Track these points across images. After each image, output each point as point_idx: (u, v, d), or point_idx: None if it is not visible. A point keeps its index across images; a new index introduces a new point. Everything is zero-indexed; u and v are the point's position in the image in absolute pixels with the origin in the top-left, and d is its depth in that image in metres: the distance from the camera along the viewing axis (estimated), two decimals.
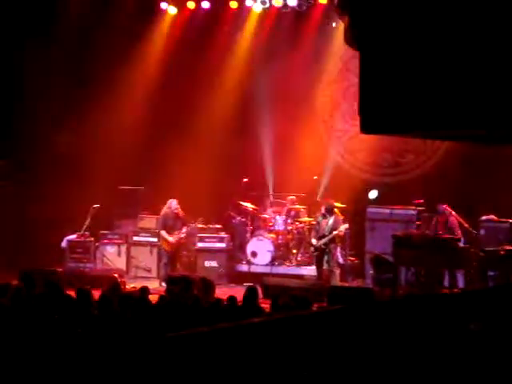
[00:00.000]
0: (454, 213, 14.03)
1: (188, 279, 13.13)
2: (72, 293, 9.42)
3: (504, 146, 12.44)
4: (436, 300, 4.89)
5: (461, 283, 13.73)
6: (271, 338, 4.25)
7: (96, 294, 9.55)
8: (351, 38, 4.15)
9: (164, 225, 15.50)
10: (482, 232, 14.11)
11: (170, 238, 15.38)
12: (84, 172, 16.58)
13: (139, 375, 3.83)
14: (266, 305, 10.09)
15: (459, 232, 13.79)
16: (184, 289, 11.75)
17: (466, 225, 14.11)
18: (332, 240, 14.60)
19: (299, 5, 16.70)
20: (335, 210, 14.85)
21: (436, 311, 4.68)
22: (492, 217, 14.23)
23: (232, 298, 9.80)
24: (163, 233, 15.47)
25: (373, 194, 16.20)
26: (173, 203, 15.45)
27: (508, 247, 13.32)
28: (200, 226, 16.34)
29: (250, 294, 9.88)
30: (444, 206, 14.04)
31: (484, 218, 14.26)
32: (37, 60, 16.18)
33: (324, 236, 14.60)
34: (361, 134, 4.23)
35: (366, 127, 4.06)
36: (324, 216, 14.76)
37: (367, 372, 4.52)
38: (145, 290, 10.40)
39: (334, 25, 16.30)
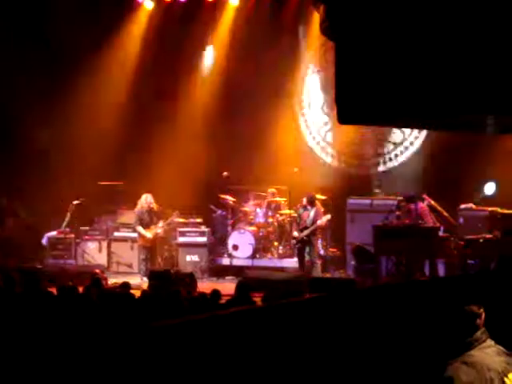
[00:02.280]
0: (432, 202, 14.10)
1: (169, 273, 13.15)
2: (54, 290, 9.38)
3: (483, 134, 12.52)
4: (413, 287, 4.92)
5: (441, 272, 13.79)
6: (257, 327, 4.26)
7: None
8: (327, 29, 4.15)
9: (140, 220, 15.45)
10: (461, 220, 14.18)
11: (148, 234, 15.36)
12: (63, 168, 16.50)
13: (127, 368, 3.84)
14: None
15: (429, 219, 13.84)
16: (166, 283, 11.75)
17: (446, 213, 14.17)
18: (314, 232, 14.65)
19: None
20: (316, 201, 14.88)
21: (414, 298, 4.71)
22: (471, 205, 14.29)
23: (216, 292, 9.81)
24: (139, 228, 15.43)
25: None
26: (148, 198, 15.41)
27: (487, 235, 13.39)
28: (180, 220, 16.29)
29: (242, 288, 9.86)
30: (423, 195, 14.11)
31: (463, 206, 14.31)
32: (14, 56, 16.09)
33: (306, 228, 14.64)
34: (339, 125, 4.25)
35: (343, 118, 4.07)
36: (305, 208, 14.79)
37: (349, 358, 4.54)
38: (126, 286, 10.37)
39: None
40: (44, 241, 16.26)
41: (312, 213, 14.66)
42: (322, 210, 14.87)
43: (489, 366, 4.51)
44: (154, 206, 15.47)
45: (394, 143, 16.82)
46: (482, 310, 4.68)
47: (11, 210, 16.67)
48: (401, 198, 14.72)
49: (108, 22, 16.89)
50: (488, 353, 4.59)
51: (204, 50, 17.67)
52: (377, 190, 15.90)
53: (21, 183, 16.25)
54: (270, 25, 16.84)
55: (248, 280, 13.42)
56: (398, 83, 3.89)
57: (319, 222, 14.58)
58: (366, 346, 4.74)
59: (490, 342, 4.65)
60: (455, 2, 3.77)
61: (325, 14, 4.19)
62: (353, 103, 4.03)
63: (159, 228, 15.52)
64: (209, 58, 17.71)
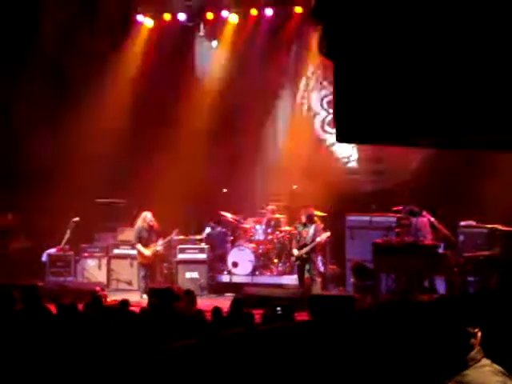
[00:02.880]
0: (432, 219, 14.10)
1: (169, 291, 13.12)
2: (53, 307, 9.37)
3: (481, 152, 12.53)
4: (414, 307, 4.92)
5: (442, 289, 13.78)
6: (256, 348, 4.26)
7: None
8: (325, 47, 4.16)
9: (139, 238, 15.44)
10: (461, 238, 14.16)
11: (146, 252, 15.34)
12: (63, 185, 16.51)
13: None
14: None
15: (429, 234, 13.87)
16: (166, 301, 11.73)
17: (446, 231, 14.16)
18: (313, 249, 14.62)
19: (276, 14, 16.79)
20: (315, 218, 14.87)
21: (414, 318, 4.71)
22: (471, 222, 14.29)
23: (217, 310, 9.81)
24: (139, 246, 15.42)
25: None
26: (148, 216, 15.41)
27: (487, 253, 13.38)
28: (180, 237, 16.28)
29: (236, 304, 9.88)
30: (423, 213, 14.12)
31: (463, 223, 14.31)
32: (13, 70, 16.13)
33: (305, 245, 14.60)
34: (338, 142, 4.24)
35: (342, 136, 4.06)
36: (304, 225, 14.76)
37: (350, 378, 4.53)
38: (124, 303, 10.35)
39: None
40: (44, 258, 16.25)
41: (311, 230, 14.63)
42: (322, 226, 14.84)
43: None
44: (154, 224, 15.46)
45: (394, 161, 16.81)
46: (477, 329, 4.67)
47: (15, 227, 16.69)
48: (400, 214, 14.73)
49: (109, 42, 16.93)
50: (483, 372, 4.57)
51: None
52: (373, 206, 15.88)
53: (21, 200, 16.24)
54: (270, 42, 16.90)
55: (247, 297, 13.42)
56: (397, 102, 3.90)
57: (318, 239, 14.57)
58: (364, 365, 4.73)
59: (485, 361, 4.63)
60: (455, 19, 3.78)
61: (323, 32, 4.19)
62: (351, 122, 4.03)
63: (158, 246, 15.51)
64: (209, 75, 17.72)
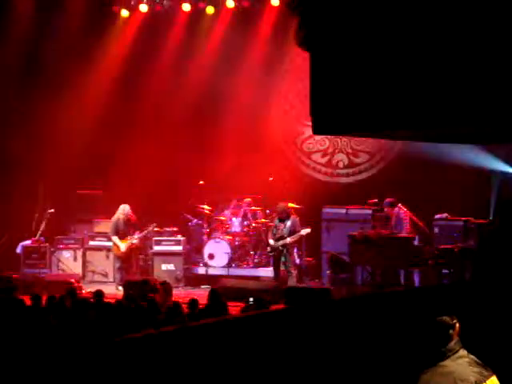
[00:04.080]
0: (407, 211, 14.17)
1: (144, 283, 13.12)
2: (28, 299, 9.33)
3: (456, 145, 12.61)
4: (387, 298, 4.94)
5: (417, 281, 13.85)
6: (231, 337, 4.26)
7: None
8: (301, 39, 4.16)
9: (116, 230, 15.37)
10: (436, 230, 14.24)
11: (122, 244, 15.26)
12: (38, 176, 16.42)
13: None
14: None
15: (408, 225, 13.96)
16: (141, 292, 11.73)
17: (421, 223, 14.24)
18: (292, 242, 14.59)
19: (251, 5, 16.79)
20: (291, 211, 14.85)
21: (388, 308, 4.73)
22: (445, 215, 14.37)
23: (194, 301, 9.82)
24: (115, 238, 15.35)
25: None
26: (125, 208, 15.35)
27: (461, 245, 13.47)
28: (156, 229, 16.23)
29: (213, 295, 9.92)
30: (398, 205, 14.20)
31: (438, 216, 14.38)
32: None
33: (282, 237, 14.57)
34: (314, 134, 4.25)
35: (318, 128, 4.08)
36: (281, 219, 14.72)
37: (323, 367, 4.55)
38: (99, 294, 10.33)
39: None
40: (18, 250, 16.14)
41: (289, 222, 14.60)
42: (298, 218, 14.82)
43: (462, 377, 4.53)
44: (132, 216, 15.40)
45: (369, 153, 16.88)
46: (455, 320, 4.70)
47: None
48: (376, 207, 14.80)
49: (85, 32, 16.79)
50: (461, 363, 4.61)
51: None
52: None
53: None
54: (245, 34, 16.87)
55: (224, 289, 13.43)
56: (372, 94, 3.91)
57: (304, 233, 14.50)
58: (340, 355, 4.75)
59: (463, 352, 4.67)
60: (430, 11, 3.79)
61: (299, 24, 4.20)
62: (327, 113, 4.04)
63: (134, 239, 15.44)
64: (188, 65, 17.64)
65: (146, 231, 15.77)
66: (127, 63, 17.26)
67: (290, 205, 15.00)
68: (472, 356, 4.67)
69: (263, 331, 4.27)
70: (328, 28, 3.96)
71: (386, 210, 14.51)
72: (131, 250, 15.48)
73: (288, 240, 14.49)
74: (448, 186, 14.88)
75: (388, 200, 14.35)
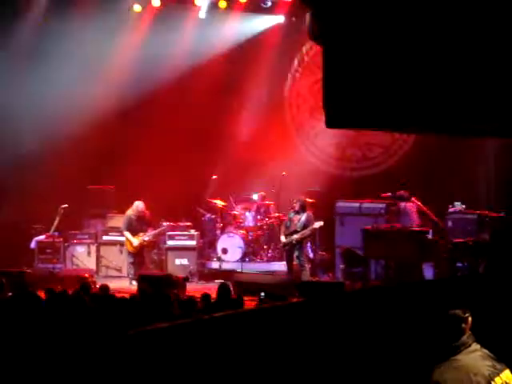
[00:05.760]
0: (421, 205, 14.15)
1: (158, 277, 13.15)
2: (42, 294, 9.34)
3: (470, 139, 12.56)
4: (401, 290, 4.93)
5: (430, 275, 13.82)
6: (246, 329, 4.26)
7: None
8: (314, 32, 4.15)
9: (129, 225, 15.34)
10: (450, 224, 14.20)
11: (134, 240, 15.24)
12: (52, 171, 16.44)
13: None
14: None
15: (415, 218, 13.94)
16: (155, 287, 11.74)
17: (434, 217, 14.21)
18: (304, 236, 14.57)
19: (263, 1, 16.76)
20: (307, 206, 14.82)
21: (401, 301, 4.72)
22: (460, 208, 14.33)
23: (206, 296, 9.82)
24: (127, 233, 15.31)
25: None
26: (140, 206, 15.32)
27: (476, 238, 13.42)
28: (169, 223, 16.23)
29: (223, 290, 9.91)
30: (412, 198, 14.19)
31: (451, 209, 14.35)
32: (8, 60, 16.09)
33: (296, 232, 14.53)
34: (327, 128, 4.24)
35: (331, 122, 4.06)
36: (297, 212, 14.66)
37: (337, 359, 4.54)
38: (105, 288, 10.33)
39: None
40: (32, 245, 16.20)
41: (303, 217, 14.53)
42: (312, 215, 14.78)
43: (475, 371, 4.52)
44: (146, 213, 15.38)
45: (383, 146, 16.85)
46: (467, 314, 4.69)
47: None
48: (389, 201, 14.77)
49: (96, 26, 16.78)
50: (474, 357, 4.60)
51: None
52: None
53: (10, 186, 16.15)
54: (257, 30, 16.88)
55: (237, 284, 13.44)
56: (386, 87, 3.89)
57: (317, 225, 14.43)
58: (353, 348, 4.74)
59: (475, 346, 4.66)
60: (441, 5, 3.78)
61: (313, 17, 4.18)
62: (340, 107, 4.02)
63: (147, 236, 15.41)
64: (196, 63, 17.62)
65: (158, 230, 15.78)
66: (136, 59, 17.19)
67: (308, 200, 14.97)
68: (485, 350, 4.66)
69: (277, 324, 4.28)
70: (341, 20, 3.94)
71: (396, 204, 14.51)
72: (143, 246, 15.47)
73: (295, 236, 14.39)
74: (464, 179, 14.83)
75: (399, 193, 14.33)
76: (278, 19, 17.14)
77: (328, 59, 4.03)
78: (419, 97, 3.77)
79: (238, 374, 4.18)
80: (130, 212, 15.41)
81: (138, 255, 15.42)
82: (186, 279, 12.31)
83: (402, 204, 14.17)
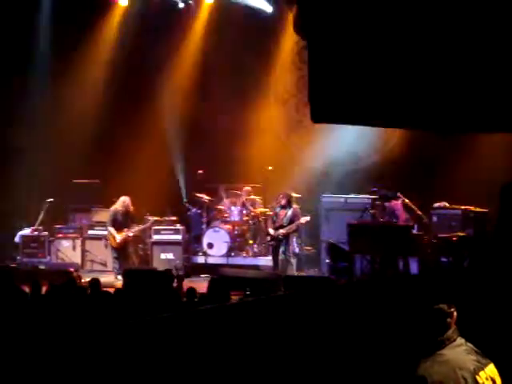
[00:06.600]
0: (407, 200, 14.19)
1: (143, 272, 13.14)
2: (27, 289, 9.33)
3: (457, 135, 12.60)
4: (385, 284, 4.95)
5: (415, 270, 13.86)
6: (233, 322, 4.28)
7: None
8: (299, 27, 4.15)
9: (113, 221, 15.23)
10: (435, 219, 14.27)
11: (118, 236, 15.10)
12: (37, 165, 16.40)
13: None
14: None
15: (402, 216, 13.99)
16: (140, 281, 11.74)
17: (419, 212, 14.25)
18: (290, 231, 14.60)
19: None
20: (294, 201, 14.84)
21: (386, 296, 4.73)
22: (444, 204, 14.38)
23: (191, 290, 9.82)
24: (111, 228, 15.19)
25: None
26: (126, 201, 15.20)
27: (460, 234, 13.49)
28: (155, 218, 16.20)
29: (214, 284, 9.91)
30: (398, 194, 14.22)
31: (436, 204, 14.41)
32: None
33: (282, 226, 14.57)
34: (313, 123, 4.24)
35: (316, 117, 4.07)
36: (283, 207, 14.69)
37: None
38: (95, 282, 10.30)
39: None
40: (17, 239, 16.15)
41: (290, 212, 14.57)
42: (299, 210, 14.81)
43: (460, 365, 4.54)
44: (131, 209, 15.29)
45: (368, 142, 16.85)
46: (453, 309, 4.71)
47: None
48: (375, 196, 14.81)
49: (82, 21, 16.75)
50: (459, 351, 4.61)
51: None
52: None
53: None
54: (244, 25, 16.83)
55: (223, 278, 13.43)
56: (371, 82, 3.90)
57: (303, 221, 14.49)
58: (338, 342, 4.76)
59: (460, 340, 4.68)
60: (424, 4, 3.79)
61: (297, 13, 4.19)
62: (326, 102, 4.03)
63: (131, 232, 15.32)
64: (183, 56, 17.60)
65: (143, 226, 15.73)
66: (121, 54, 17.16)
67: (294, 195, 14.99)
68: (470, 344, 4.68)
69: (262, 317, 4.29)
70: (326, 15, 3.95)
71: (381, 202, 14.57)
72: (127, 241, 15.36)
73: (282, 231, 14.46)
74: (450, 174, 14.87)
75: (382, 193, 14.38)
76: (267, 9, 17.12)
77: (313, 54, 4.04)
78: (404, 92, 3.78)
79: (223, 366, 4.20)
80: (115, 207, 15.32)
81: (122, 250, 15.33)
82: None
83: (387, 203, 14.23)
